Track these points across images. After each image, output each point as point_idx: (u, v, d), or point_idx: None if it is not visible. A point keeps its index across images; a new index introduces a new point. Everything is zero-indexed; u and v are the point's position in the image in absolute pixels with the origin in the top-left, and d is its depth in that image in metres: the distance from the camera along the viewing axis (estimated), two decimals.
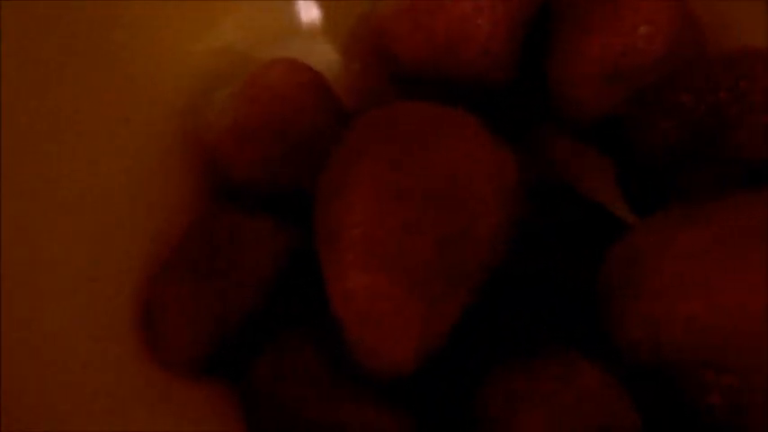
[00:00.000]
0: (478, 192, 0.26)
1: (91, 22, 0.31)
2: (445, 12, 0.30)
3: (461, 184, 0.26)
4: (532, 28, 0.31)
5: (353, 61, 0.34)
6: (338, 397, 0.27)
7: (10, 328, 0.25)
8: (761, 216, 0.24)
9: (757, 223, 0.24)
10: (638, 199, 0.29)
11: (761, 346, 0.23)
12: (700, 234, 0.25)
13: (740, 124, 0.26)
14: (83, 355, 0.28)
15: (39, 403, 0.25)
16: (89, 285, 0.29)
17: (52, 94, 0.29)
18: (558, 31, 0.30)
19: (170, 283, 0.30)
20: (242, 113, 0.31)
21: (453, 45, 0.30)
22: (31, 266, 0.27)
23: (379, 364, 0.25)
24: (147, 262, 0.31)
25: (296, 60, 0.32)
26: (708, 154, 0.27)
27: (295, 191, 0.32)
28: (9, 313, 0.26)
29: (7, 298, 0.26)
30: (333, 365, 0.27)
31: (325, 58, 0.34)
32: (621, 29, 0.29)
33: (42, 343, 0.27)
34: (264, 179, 0.31)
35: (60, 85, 0.29)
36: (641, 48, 0.29)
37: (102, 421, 0.27)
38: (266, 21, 0.35)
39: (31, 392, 0.25)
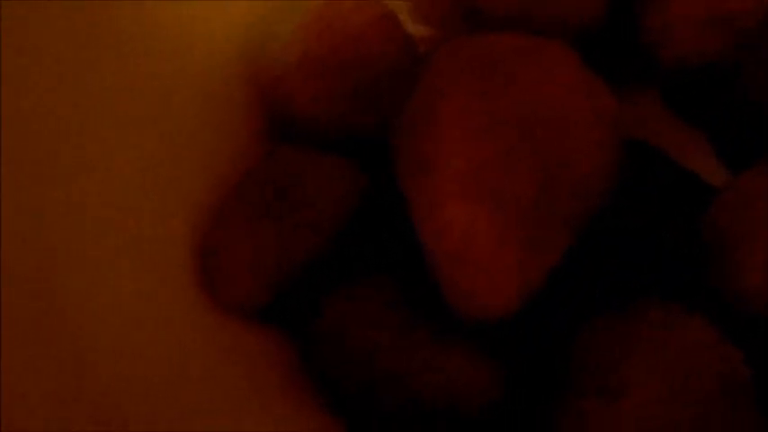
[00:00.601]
0: (577, 123, 0.24)
1: None
2: None
3: (558, 114, 0.24)
4: None
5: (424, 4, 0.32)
6: (416, 344, 0.25)
7: (64, 282, 0.24)
8: None
9: None
10: (734, 153, 0.28)
11: None
12: None
13: None
14: (139, 304, 0.26)
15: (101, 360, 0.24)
16: (148, 231, 0.28)
17: (100, 32, 0.28)
18: None
19: (231, 224, 0.28)
20: (311, 46, 0.30)
21: None
22: (91, 215, 0.26)
23: (474, 307, 0.23)
24: (206, 205, 0.29)
25: None
26: None
27: (361, 131, 0.30)
28: (65, 264, 0.25)
29: (63, 250, 0.25)
30: (411, 310, 0.26)
31: None
32: None
33: (100, 293, 0.25)
34: (331, 117, 0.30)
35: (108, 25, 0.28)
36: None
37: (161, 368, 0.25)
38: None
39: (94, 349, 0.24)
